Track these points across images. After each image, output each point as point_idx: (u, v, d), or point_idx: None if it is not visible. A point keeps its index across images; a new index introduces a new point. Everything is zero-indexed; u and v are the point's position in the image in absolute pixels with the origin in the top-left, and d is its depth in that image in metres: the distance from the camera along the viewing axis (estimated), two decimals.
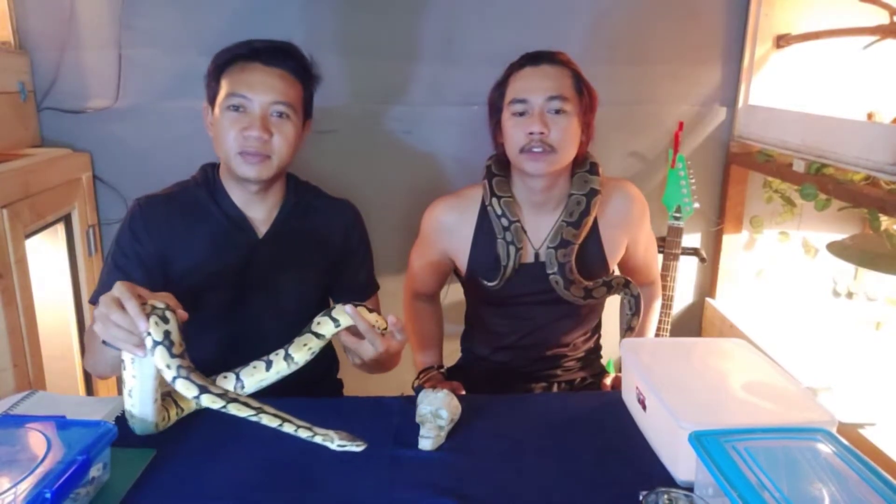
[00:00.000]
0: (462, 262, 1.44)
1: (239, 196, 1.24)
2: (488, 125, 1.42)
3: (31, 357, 1.39)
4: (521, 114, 1.30)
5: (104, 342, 0.93)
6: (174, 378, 0.86)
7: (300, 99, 1.23)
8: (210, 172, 1.27)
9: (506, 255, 1.37)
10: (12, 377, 1.33)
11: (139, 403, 0.94)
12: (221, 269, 1.22)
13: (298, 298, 1.29)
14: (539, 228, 1.41)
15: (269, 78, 1.17)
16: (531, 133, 1.28)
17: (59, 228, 1.65)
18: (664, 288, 1.72)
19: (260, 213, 1.26)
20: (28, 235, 1.43)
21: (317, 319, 1.00)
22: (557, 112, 1.29)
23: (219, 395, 0.86)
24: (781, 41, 1.81)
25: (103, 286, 1.19)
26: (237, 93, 1.16)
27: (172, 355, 0.86)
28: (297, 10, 1.71)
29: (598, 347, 1.58)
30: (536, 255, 1.41)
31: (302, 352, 0.99)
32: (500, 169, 1.42)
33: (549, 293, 1.40)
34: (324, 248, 1.30)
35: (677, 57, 1.84)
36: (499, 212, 1.37)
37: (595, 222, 1.41)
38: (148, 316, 0.86)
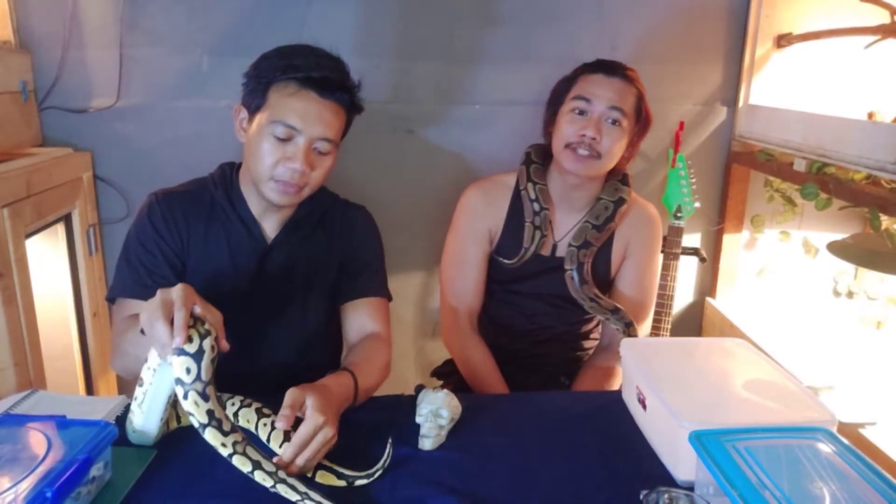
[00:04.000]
0: (495, 243, 1.48)
1: (255, 203, 1.22)
2: (544, 114, 1.47)
3: (31, 356, 1.39)
4: (581, 112, 1.35)
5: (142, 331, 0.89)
6: (203, 426, 0.86)
7: (342, 130, 1.20)
8: (229, 173, 1.25)
9: (530, 238, 1.42)
10: (13, 376, 1.33)
11: (146, 416, 0.94)
12: (233, 273, 1.22)
13: (305, 305, 1.27)
14: (563, 224, 1.45)
15: (321, 111, 1.13)
16: (583, 135, 1.33)
17: (59, 228, 1.64)
18: (664, 288, 1.72)
19: (274, 220, 1.24)
20: (28, 235, 1.43)
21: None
22: (614, 123, 1.35)
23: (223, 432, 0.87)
24: (782, 41, 1.81)
25: (122, 283, 1.17)
26: (287, 122, 1.11)
27: (205, 399, 0.86)
28: (302, 10, 1.71)
29: (578, 361, 1.57)
30: (554, 249, 1.45)
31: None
32: (539, 157, 1.47)
33: (555, 289, 1.43)
34: (333, 254, 1.28)
35: (678, 56, 1.84)
36: (532, 196, 1.43)
37: (612, 232, 1.45)
38: (183, 351, 0.84)
